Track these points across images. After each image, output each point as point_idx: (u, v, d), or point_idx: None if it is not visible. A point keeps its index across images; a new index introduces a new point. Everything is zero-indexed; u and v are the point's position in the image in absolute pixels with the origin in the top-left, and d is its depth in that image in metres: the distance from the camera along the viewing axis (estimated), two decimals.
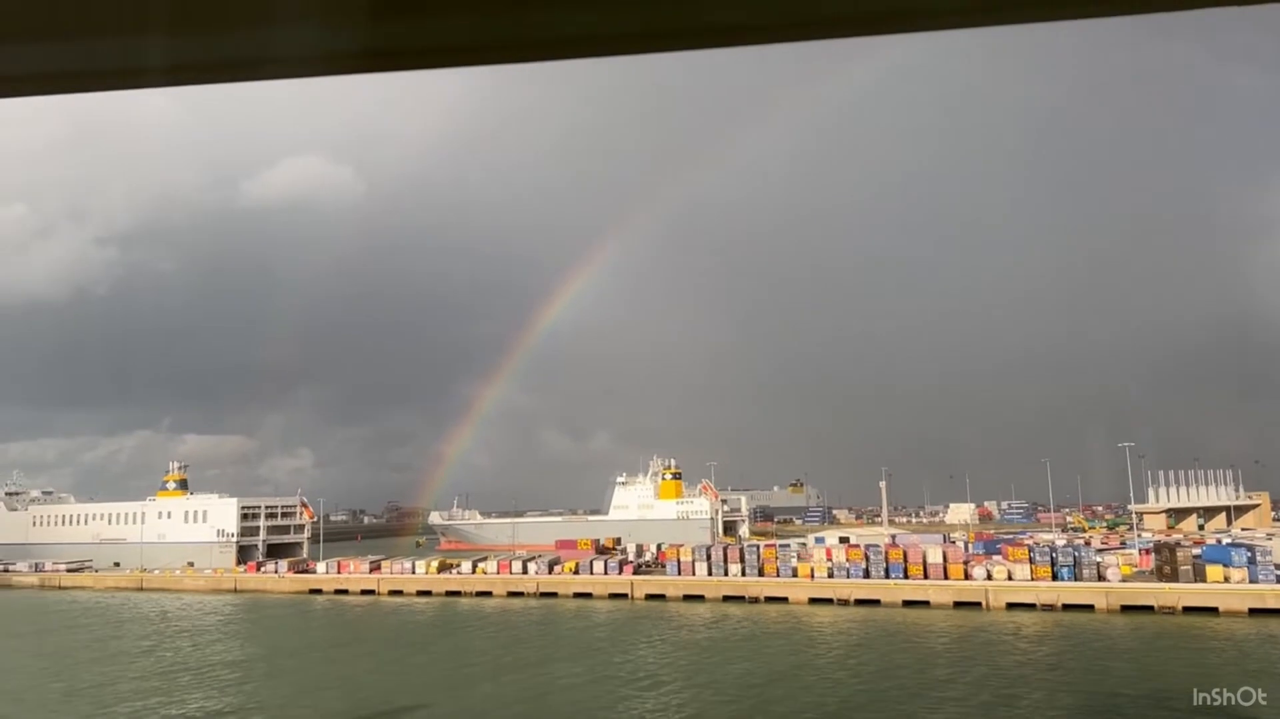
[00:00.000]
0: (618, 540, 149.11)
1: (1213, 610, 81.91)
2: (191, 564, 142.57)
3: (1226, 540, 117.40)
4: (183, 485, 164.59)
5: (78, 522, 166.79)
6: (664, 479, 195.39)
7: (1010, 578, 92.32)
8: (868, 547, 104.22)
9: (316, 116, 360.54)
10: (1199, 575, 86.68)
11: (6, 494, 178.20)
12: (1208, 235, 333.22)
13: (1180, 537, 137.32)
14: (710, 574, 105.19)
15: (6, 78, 2.56)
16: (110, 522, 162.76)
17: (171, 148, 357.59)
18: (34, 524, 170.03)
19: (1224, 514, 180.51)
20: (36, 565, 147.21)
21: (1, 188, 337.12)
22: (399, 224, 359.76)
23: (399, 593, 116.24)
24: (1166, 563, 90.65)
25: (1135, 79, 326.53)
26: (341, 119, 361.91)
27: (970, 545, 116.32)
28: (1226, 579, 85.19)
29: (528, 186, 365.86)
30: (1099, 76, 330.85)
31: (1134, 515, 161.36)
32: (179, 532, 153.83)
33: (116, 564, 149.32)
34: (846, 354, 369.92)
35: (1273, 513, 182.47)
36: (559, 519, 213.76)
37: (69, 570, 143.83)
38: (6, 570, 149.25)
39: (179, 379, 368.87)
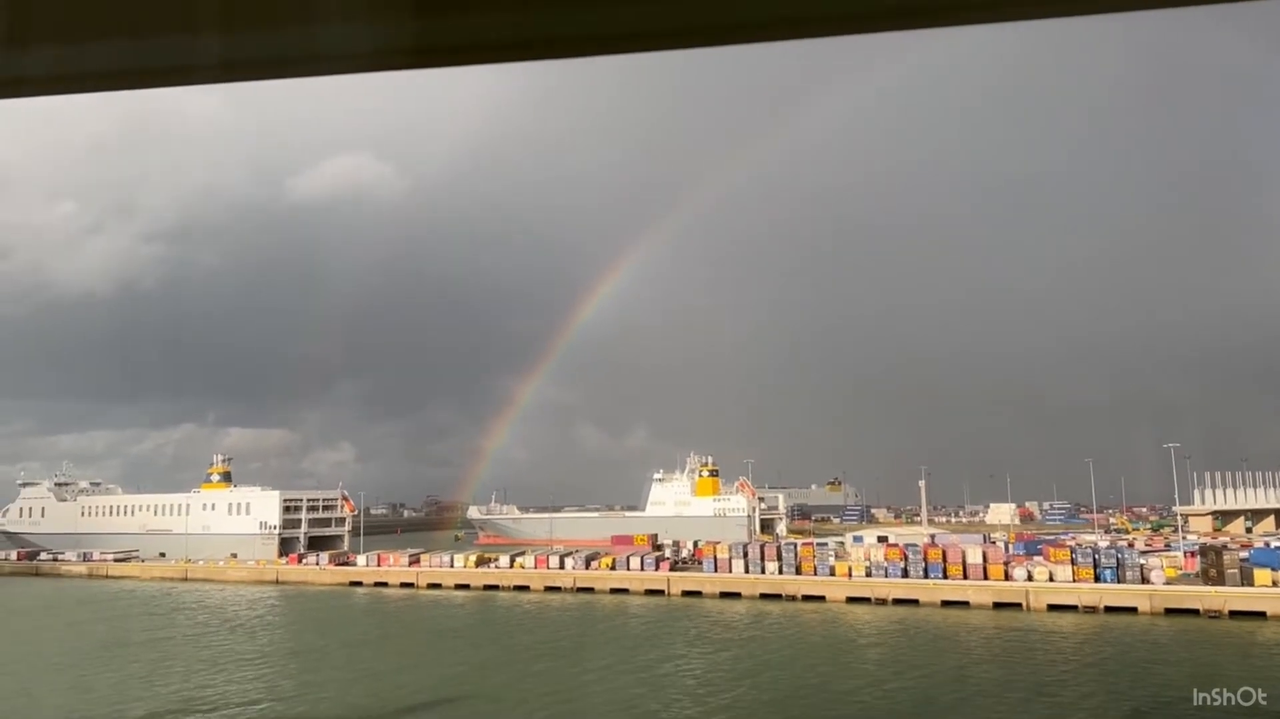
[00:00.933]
0: (655, 537, 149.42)
1: (1260, 615, 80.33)
2: (234, 555, 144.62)
3: (1275, 544, 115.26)
4: (226, 478, 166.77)
5: (125, 513, 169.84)
6: (701, 476, 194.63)
7: (1051, 579, 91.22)
8: (906, 546, 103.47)
9: (359, 113, 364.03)
10: (1246, 579, 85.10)
11: (56, 485, 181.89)
12: (1261, 229, 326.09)
13: (1227, 539, 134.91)
14: (747, 572, 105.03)
15: (61, 76, 2.64)
16: (156, 513, 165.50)
17: (218, 145, 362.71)
18: (82, 514, 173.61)
19: (1273, 516, 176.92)
20: (85, 555, 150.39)
21: (53, 185, 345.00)
22: (441, 219, 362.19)
23: (437, 586, 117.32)
24: (1212, 566, 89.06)
25: (1204, 66, 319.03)
26: (383, 116, 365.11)
27: (1011, 546, 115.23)
28: (1275, 583, 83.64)
29: (566, 181, 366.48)
30: (1147, 66, 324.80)
31: (1179, 517, 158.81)
32: (222, 523, 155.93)
33: (162, 554, 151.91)
34: (885, 353, 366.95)
35: None
36: (596, 515, 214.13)
37: (116, 560, 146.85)
38: (56, 559, 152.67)
39: (224, 373, 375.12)
